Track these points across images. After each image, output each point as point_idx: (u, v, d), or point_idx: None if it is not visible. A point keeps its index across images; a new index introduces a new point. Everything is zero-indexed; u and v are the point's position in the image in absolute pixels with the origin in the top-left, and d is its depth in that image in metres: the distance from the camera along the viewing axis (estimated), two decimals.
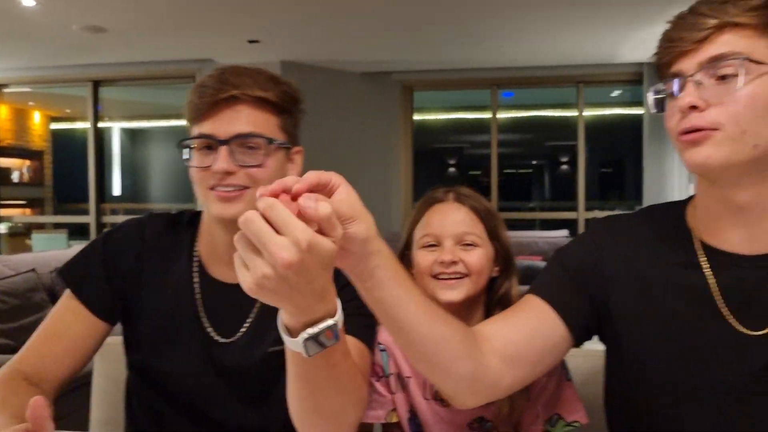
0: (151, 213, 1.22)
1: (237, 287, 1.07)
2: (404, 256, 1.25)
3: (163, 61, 6.22)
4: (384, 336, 1.20)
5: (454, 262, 1.16)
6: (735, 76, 0.83)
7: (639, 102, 6.81)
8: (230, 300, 1.10)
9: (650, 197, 6.24)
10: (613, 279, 0.99)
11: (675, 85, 0.87)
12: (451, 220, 1.20)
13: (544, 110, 7.64)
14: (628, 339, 0.97)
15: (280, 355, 0.87)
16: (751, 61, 0.82)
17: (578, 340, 0.99)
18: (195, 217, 1.21)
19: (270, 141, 1.07)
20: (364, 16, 4.76)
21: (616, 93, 7.11)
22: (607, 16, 4.85)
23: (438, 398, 1.18)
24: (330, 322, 0.68)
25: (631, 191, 7.43)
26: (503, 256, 1.23)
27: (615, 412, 1.05)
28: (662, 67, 0.91)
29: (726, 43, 0.83)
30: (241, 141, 1.05)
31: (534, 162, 10.50)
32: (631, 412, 0.99)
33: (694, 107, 0.84)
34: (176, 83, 6.66)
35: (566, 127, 6.90)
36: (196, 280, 1.15)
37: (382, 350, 1.21)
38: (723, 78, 0.83)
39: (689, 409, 0.91)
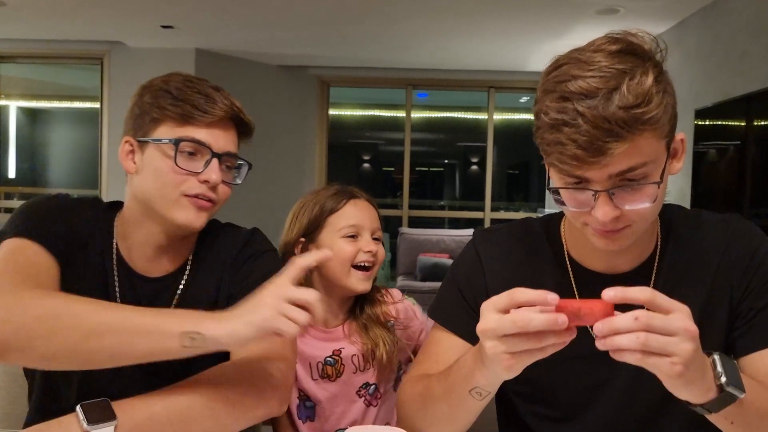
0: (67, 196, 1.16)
1: (158, 280, 1.11)
2: (306, 238, 1.35)
3: (69, 41, 5.94)
4: None
5: (372, 254, 1.32)
6: (641, 181, 0.85)
7: None
8: (149, 294, 1.12)
9: (552, 200, 6.56)
10: (492, 294, 1.07)
11: (588, 194, 0.87)
12: (369, 216, 1.36)
13: (457, 112, 7.87)
14: None
15: None
16: (654, 166, 0.86)
17: None
18: (112, 207, 1.18)
19: (249, 167, 1.14)
20: (280, 8, 4.74)
21: (524, 99, 7.42)
22: (518, 28, 5.08)
23: (324, 376, 1.30)
24: None
25: (535, 193, 7.77)
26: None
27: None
28: (554, 166, 0.89)
29: (634, 155, 0.83)
30: (227, 159, 1.11)
31: (446, 161, 10.77)
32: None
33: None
34: (83, 64, 6.37)
35: (477, 129, 7.14)
36: (114, 272, 1.13)
37: None
38: (631, 182, 0.85)
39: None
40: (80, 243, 1.10)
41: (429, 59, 6.22)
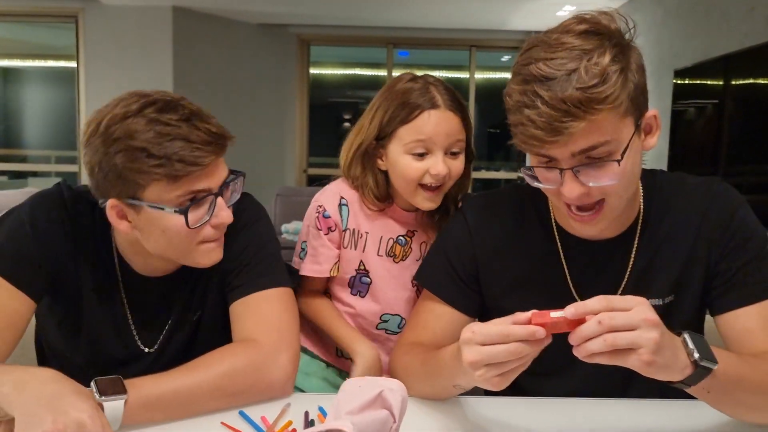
0: (67, 185, 1.09)
1: (155, 281, 1.11)
2: (371, 147, 1.27)
3: None
4: (346, 191, 1.32)
5: (440, 176, 1.22)
6: (605, 159, 0.89)
7: None
8: (159, 293, 1.13)
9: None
10: (483, 266, 1.12)
11: (555, 172, 0.91)
12: (445, 131, 1.21)
13: (438, 71, 7.83)
14: (497, 311, 1.12)
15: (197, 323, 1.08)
16: (617, 143, 0.89)
17: (479, 316, 1.15)
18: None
19: (243, 176, 1.07)
20: None
21: (505, 58, 7.40)
22: None
23: (390, 254, 1.32)
24: None
25: (515, 152, 7.82)
26: (469, 160, 1.31)
27: None
28: (520, 146, 0.93)
29: (593, 133, 0.86)
30: (225, 186, 1.03)
31: None
32: None
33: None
34: (57, 22, 6.21)
35: (458, 88, 7.04)
36: (118, 274, 1.11)
37: (344, 205, 1.31)
38: (596, 159, 0.89)
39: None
40: (68, 255, 1.06)
41: (410, 18, 6.17)
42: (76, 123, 6.09)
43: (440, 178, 1.22)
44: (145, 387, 0.92)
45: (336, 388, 1.28)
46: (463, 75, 7.06)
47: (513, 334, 0.78)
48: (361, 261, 1.31)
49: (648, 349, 0.75)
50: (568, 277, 1.08)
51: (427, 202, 1.25)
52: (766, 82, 3.49)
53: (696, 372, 0.81)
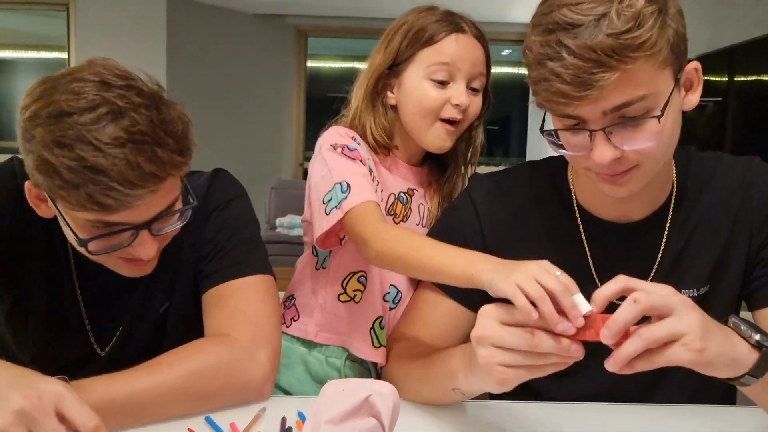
0: (20, 160, 0.92)
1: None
2: (383, 75, 1.14)
3: None
4: (352, 132, 1.15)
5: (461, 108, 1.10)
6: (641, 117, 0.78)
7: None
8: (106, 283, 0.98)
9: (533, 154, 6.54)
10: (494, 253, 1.00)
11: (584, 135, 0.81)
12: (471, 59, 1.11)
13: None
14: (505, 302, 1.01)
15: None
16: (655, 99, 0.78)
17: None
18: None
19: (190, 208, 0.89)
20: None
21: (506, 52, 7.29)
22: None
23: (391, 213, 1.17)
24: None
25: (515, 148, 7.72)
26: (486, 104, 1.20)
27: None
28: (543, 106, 0.82)
29: (628, 86, 0.76)
30: (158, 222, 0.84)
31: None
32: None
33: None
34: (47, 10, 6.08)
35: None
36: (71, 262, 0.98)
37: (358, 144, 1.13)
38: (631, 118, 0.78)
39: None
40: (18, 236, 0.93)
41: (409, 8, 6.05)
42: None
43: (461, 111, 1.10)
44: (96, 390, 0.79)
45: (319, 379, 1.17)
46: None
47: (544, 342, 0.67)
48: None
49: (693, 334, 0.63)
50: (591, 263, 0.96)
51: (440, 141, 1.13)
52: None
53: (763, 357, 0.68)
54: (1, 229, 0.91)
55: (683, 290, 0.94)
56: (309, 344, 1.19)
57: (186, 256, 0.99)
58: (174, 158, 0.79)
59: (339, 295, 1.17)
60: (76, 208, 0.77)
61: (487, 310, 0.72)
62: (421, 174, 1.22)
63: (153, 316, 1.01)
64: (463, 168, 1.22)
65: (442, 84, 1.10)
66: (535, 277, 0.70)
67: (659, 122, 0.78)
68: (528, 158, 6.64)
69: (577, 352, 0.67)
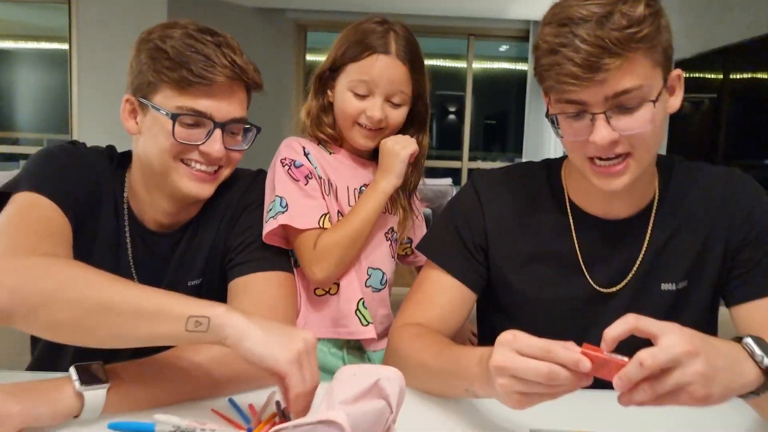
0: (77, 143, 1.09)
1: (170, 235, 1.10)
2: (324, 75, 1.28)
3: None
4: (303, 141, 1.27)
5: (375, 120, 1.23)
6: (637, 106, 0.89)
7: (525, 58, 7.09)
8: (162, 249, 1.11)
9: (530, 150, 6.60)
10: (493, 240, 1.09)
11: (586, 118, 0.90)
12: (388, 78, 1.22)
13: (435, 59, 7.77)
14: (501, 286, 1.10)
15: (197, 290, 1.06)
16: (649, 90, 0.89)
17: (480, 294, 1.12)
18: (124, 159, 1.13)
19: (258, 130, 1.09)
20: None
21: (504, 48, 7.34)
22: None
23: None
24: None
25: (512, 144, 7.78)
26: (419, 113, 1.31)
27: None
28: (552, 90, 0.93)
29: (628, 75, 0.87)
30: (233, 126, 1.05)
31: None
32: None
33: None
34: (49, 2, 6.11)
35: (455, 77, 7.07)
36: (126, 228, 1.10)
37: (308, 154, 1.25)
38: (627, 109, 0.89)
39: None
40: (94, 198, 1.06)
41: (408, 4, 6.09)
42: (69, 106, 6.00)
43: (375, 122, 1.23)
44: (127, 372, 0.87)
45: (328, 368, 1.24)
46: (461, 64, 6.99)
47: (556, 354, 0.70)
48: (338, 211, 1.26)
49: (698, 384, 0.67)
50: (579, 255, 1.04)
51: (362, 139, 1.27)
52: (766, 75, 3.45)
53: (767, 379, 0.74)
54: (77, 199, 1.01)
55: (663, 284, 1.03)
56: None
57: (221, 241, 1.11)
58: (250, 69, 1.04)
59: (315, 290, 1.26)
60: (174, 90, 0.99)
61: (505, 340, 0.74)
62: (373, 166, 1.32)
63: (184, 289, 1.10)
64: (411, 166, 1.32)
65: (362, 97, 1.23)
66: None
67: (654, 106, 0.89)
68: (525, 154, 6.70)
69: (588, 382, 0.72)
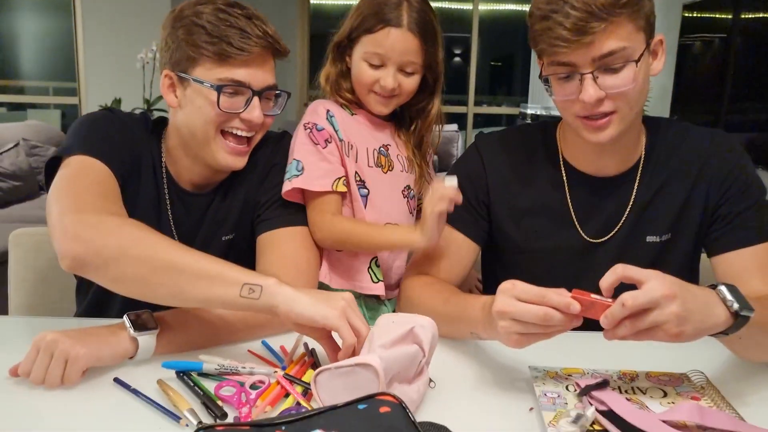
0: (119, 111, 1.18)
1: (206, 195, 1.20)
2: (342, 43, 1.35)
3: None
4: (328, 104, 1.36)
5: (388, 89, 1.31)
6: (621, 66, 0.98)
7: None
8: (199, 209, 1.20)
9: (535, 95, 6.58)
10: (494, 195, 1.19)
11: (575, 79, 1.00)
12: (401, 50, 1.29)
13: (441, 2, 7.65)
14: (501, 238, 1.22)
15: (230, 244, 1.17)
16: (632, 52, 0.98)
17: (483, 246, 1.23)
18: (159, 125, 1.21)
19: (288, 95, 1.18)
20: None
21: None
22: None
23: (378, 165, 1.38)
24: None
25: (518, 88, 7.74)
26: (432, 79, 1.39)
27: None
28: (544, 53, 1.02)
29: (613, 37, 0.96)
30: (267, 93, 1.13)
31: None
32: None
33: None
34: None
35: (461, 19, 6.98)
36: (165, 189, 1.18)
37: (331, 116, 1.34)
38: (612, 69, 0.99)
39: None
40: (136, 162, 1.14)
41: None
42: (74, 53, 5.99)
43: (388, 90, 1.31)
44: (172, 318, 0.99)
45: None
46: (467, 6, 6.90)
47: (549, 299, 0.81)
48: (356, 172, 1.34)
49: (672, 323, 0.76)
50: (571, 208, 1.15)
51: (378, 105, 1.35)
52: None
53: (736, 322, 0.82)
54: (123, 162, 1.10)
55: (648, 236, 1.14)
56: (330, 290, 1.40)
57: (252, 197, 1.22)
58: (278, 38, 1.11)
59: None
60: (214, 63, 1.07)
61: (505, 288, 0.85)
62: (391, 128, 1.42)
63: (218, 243, 1.21)
64: (424, 126, 1.42)
65: (376, 67, 1.31)
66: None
67: (636, 66, 0.98)
68: (530, 98, 6.69)
69: (578, 323, 0.83)
